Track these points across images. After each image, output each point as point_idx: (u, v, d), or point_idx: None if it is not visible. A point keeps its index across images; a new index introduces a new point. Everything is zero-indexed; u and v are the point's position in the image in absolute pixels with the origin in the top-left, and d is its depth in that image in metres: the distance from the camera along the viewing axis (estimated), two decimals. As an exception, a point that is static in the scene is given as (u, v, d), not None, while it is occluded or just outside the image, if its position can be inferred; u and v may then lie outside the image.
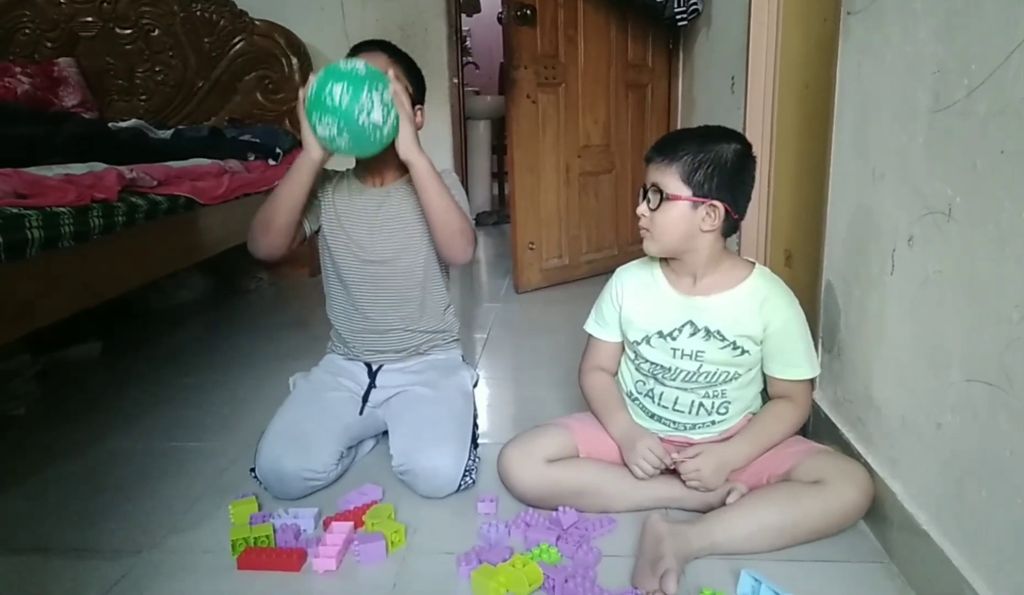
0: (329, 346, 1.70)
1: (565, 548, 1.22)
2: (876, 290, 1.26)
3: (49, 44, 3.53)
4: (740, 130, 2.18)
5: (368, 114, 1.36)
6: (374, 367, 1.62)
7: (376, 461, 1.59)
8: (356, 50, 1.53)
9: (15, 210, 1.37)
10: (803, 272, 1.91)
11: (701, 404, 1.36)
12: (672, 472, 1.34)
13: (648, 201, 1.29)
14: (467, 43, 5.44)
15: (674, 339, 1.34)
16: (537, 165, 3.07)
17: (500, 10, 3.02)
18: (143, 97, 3.62)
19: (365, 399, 1.58)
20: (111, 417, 1.87)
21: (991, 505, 0.94)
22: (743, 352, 1.32)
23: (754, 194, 1.34)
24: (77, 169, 1.72)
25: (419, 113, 1.56)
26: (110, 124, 2.72)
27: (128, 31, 3.55)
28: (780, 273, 1.40)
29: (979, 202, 0.95)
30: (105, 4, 3.52)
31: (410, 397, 1.56)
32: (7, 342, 1.42)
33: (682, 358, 1.34)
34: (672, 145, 1.29)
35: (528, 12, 2.90)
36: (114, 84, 3.60)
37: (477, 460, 1.50)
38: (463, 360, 1.71)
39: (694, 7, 2.77)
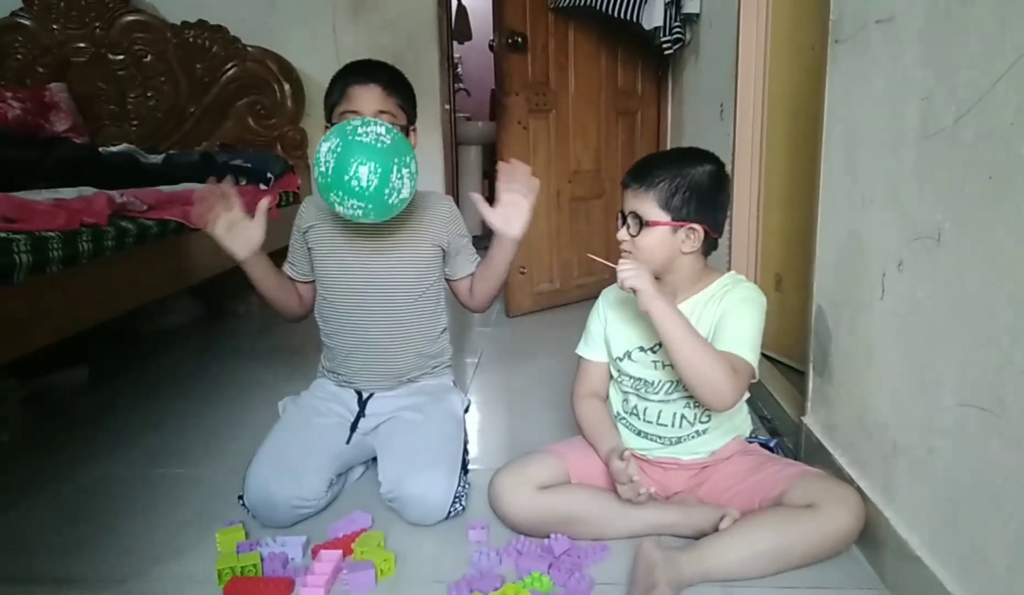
0: (320, 370, 1.69)
1: (557, 576, 1.20)
2: (866, 315, 1.27)
3: (41, 69, 3.54)
4: (729, 156, 2.21)
5: (398, 193, 1.32)
6: (364, 395, 1.60)
7: (365, 488, 1.57)
8: (349, 72, 1.52)
9: (3, 234, 1.37)
10: (793, 297, 1.92)
11: (683, 415, 1.37)
12: (665, 499, 1.33)
13: (628, 227, 1.33)
14: (459, 70, 5.48)
15: (655, 352, 1.37)
16: (528, 190, 3.07)
17: (492, 37, 3.05)
18: (134, 122, 3.62)
19: (353, 428, 1.56)
20: (97, 443, 1.85)
21: (985, 530, 0.93)
22: None
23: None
24: (67, 193, 1.71)
25: (412, 134, 1.56)
26: (101, 149, 2.71)
27: (120, 57, 3.57)
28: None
29: (968, 227, 0.96)
30: (98, 30, 3.54)
31: (399, 423, 1.54)
32: (-8, 367, 1.41)
33: (663, 368, 1.36)
34: (648, 171, 1.32)
35: (519, 39, 2.93)
36: (105, 109, 3.61)
37: (467, 486, 1.48)
38: (454, 385, 1.70)
39: (677, 36, 2.79)
